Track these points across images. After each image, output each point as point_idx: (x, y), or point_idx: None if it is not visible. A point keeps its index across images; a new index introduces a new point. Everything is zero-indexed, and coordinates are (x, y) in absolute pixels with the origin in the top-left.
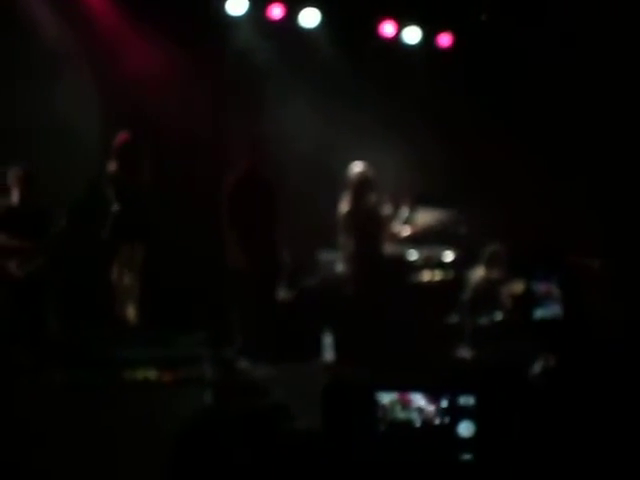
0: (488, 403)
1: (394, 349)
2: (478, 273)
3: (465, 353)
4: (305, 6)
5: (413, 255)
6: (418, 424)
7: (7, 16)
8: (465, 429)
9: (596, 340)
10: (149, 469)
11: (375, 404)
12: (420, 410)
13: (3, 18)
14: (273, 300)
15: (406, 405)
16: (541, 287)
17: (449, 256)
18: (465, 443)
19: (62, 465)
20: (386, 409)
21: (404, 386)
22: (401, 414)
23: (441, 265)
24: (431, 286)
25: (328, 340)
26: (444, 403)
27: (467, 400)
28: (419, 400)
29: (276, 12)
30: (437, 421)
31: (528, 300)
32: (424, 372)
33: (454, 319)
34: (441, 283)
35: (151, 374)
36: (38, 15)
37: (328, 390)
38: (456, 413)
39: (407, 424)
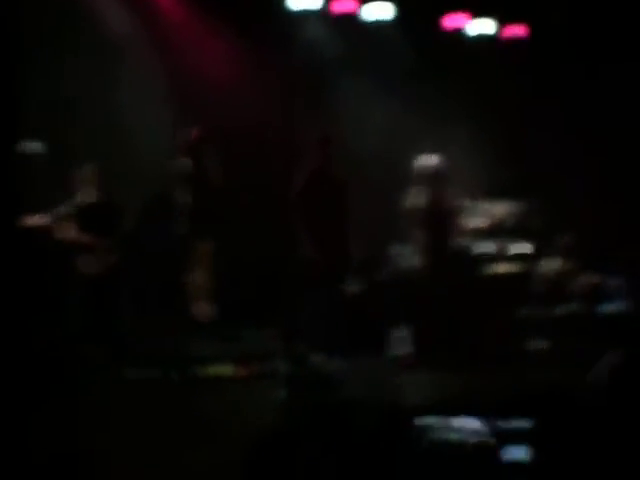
0: (544, 428)
1: (468, 343)
2: (552, 264)
3: (538, 345)
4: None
5: (488, 248)
6: (469, 447)
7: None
8: (518, 453)
9: None
10: (224, 466)
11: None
12: (473, 432)
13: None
14: (345, 294)
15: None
16: (613, 282)
17: (524, 248)
18: (519, 468)
19: (137, 462)
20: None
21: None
22: (452, 435)
23: (516, 257)
24: (505, 278)
25: (399, 334)
26: (498, 426)
27: (521, 424)
28: (471, 422)
29: (346, 5)
30: (490, 443)
31: (598, 294)
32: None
33: (529, 311)
34: (516, 275)
35: (225, 370)
36: (106, 10)
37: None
38: (509, 437)
39: (457, 446)
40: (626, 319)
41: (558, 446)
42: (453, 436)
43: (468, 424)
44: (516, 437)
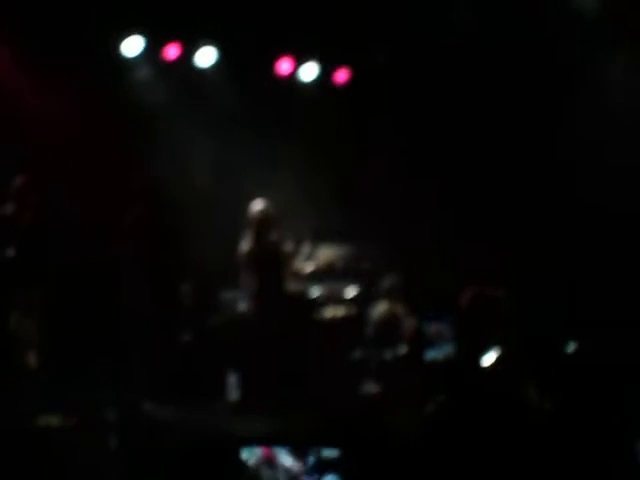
0: (353, 456)
1: (297, 388)
2: (381, 307)
3: (371, 388)
4: (201, 45)
5: (316, 291)
6: None
7: None
8: None
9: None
10: None
11: (240, 465)
12: (286, 470)
13: None
14: (175, 341)
15: (272, 464)
16: (432, 328)
17: (352, 291)
18: None
19: None
20: (251, 470)
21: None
22: (267, 473)
23: (344, 301)
24: (335, 322)
25: (232, 380)
26: (311, 460)
27: (332, 453)
28: (285, 458)
29: (172, 52)
30: None
31: (419, 341)
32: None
33: (359, 354)
34: (345, 319)
35: (54, 420)
36: None
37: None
38: (323, 468)
39: None
40: (447, 365)
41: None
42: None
43: (283, 460)
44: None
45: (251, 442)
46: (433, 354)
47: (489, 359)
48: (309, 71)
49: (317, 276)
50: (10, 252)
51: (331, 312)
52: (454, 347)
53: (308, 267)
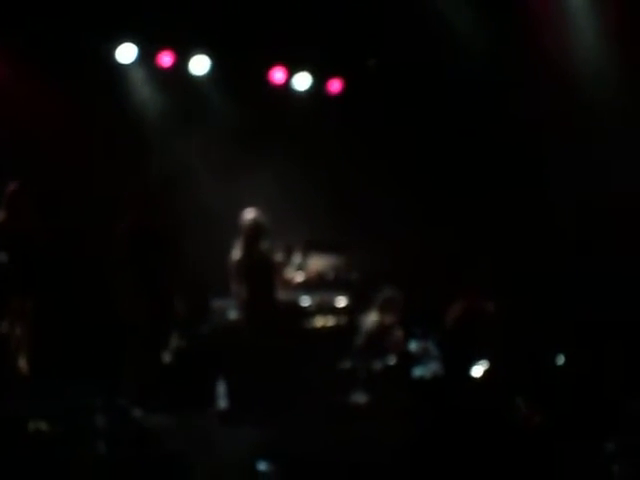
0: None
1: (288, 396)
2: (371, 318)
3: (359, 398)
4: (195, 53)
5: (306, 301)
6: None
7: None
8: None
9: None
10: None
11: None
12: None
13: None
14: (166, 348)
15: None
16: (418, 346)
17: (342, 301)
18: None
19: None
20: None
21: None
22: None
23: (334, 310)
24: (324, 332)
25: (222, 388)
26: None
27: None
28: None
29: (166, 60)
30: None
31: (406, 359)
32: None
33: (348, 364)
34: (334, 328)
35: (42, 425)
36: None
37: None
38: None
39: None
40: (434, 383)
41: None
42: None
43: None
44: None
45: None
46: (420, 372)
47: (478, 372)
48: (302, 81)
49: (307, 286)
50: (2, 257)
51: (321, 321)
52: (440, 364)
53: (298, 277)
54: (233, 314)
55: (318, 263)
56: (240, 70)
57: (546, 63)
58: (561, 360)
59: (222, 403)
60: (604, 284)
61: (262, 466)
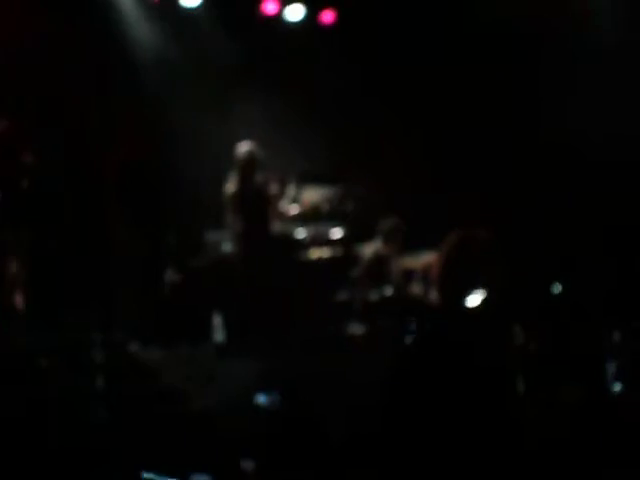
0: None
1: (284, 329)
2: (371, 248)
3: (356, 329)
4: None
5: (301, 233)
6: None
7: None
8: None
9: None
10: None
11: None
12: None
13: None
14: (161, 282)
15: None
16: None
17: (337, 233)
18: None
19: None
20: None
21: None
22: None
23: (329, 242)
24: (320, 263)
25: (217, 321)
26: None
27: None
28: None
29: None
30: None
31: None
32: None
33: (344, 295)
34: (330, 260)
35: (41, 361)
36: None
37: None
38: None
39: None
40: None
41: None
42: None
43: None
44: None
45: None
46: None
47: (474, 301)
48: (295, 12)
49: (302, 218)
50: None
51: (316, 253)
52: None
53: (293, 209)
54: (227, 247)
55: (313, 195)
56: (232, 1)
57: None
58: (558, 288)
59: (218, 336)
60: (601, 213)
61: (261, 398)
